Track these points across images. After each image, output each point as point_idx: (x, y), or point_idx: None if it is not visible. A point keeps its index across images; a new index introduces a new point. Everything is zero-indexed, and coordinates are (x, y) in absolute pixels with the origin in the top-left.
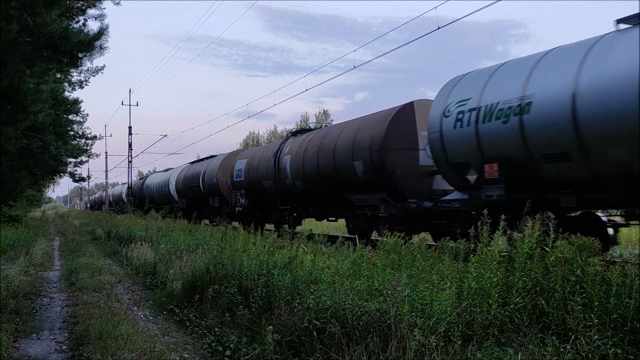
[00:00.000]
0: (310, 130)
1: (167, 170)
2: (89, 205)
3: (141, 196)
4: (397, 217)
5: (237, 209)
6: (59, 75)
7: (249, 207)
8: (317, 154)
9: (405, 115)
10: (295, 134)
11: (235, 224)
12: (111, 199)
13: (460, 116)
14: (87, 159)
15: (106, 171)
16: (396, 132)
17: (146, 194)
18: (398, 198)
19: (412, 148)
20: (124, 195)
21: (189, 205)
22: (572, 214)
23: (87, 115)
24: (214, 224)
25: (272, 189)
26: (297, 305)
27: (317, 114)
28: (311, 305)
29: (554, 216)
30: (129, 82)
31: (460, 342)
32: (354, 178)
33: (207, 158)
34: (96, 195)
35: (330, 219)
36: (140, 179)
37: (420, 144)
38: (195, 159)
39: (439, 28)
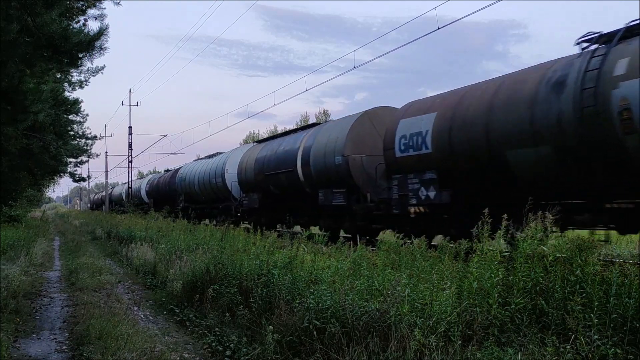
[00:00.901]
0: None
1: (211, 156)
2: (89, 205)
3: (169, 192)
4: None
5: (413, 208)
6: (59, 75)
7: (452, 204)
8: None
9: None
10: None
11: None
12: (124, 197)
13: None
14: (87, 159)
15: (106, 171)
16: None
17: (181, 188)
18: None
19: None
20: (143, 193)
21: (266, 202)
22: None
23: (87, 115)
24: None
25: (558, 162)
26: (297, 305)
27: (317, 113)
28: (311, 305)
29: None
30: (129, 82)
31: (460, 342)
32: None
33: (296, 130)
34: (104, 194)
35: None
36: (166, 171)
37: None
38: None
39: (439, 28)
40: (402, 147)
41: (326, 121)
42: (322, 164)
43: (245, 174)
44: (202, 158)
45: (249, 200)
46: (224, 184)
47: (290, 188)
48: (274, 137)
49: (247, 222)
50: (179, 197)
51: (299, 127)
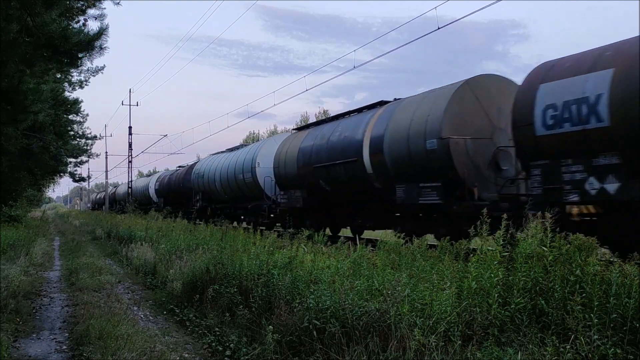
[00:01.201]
0: None
1: (234, 149)
2: (90, 205)
3: (183, 190)
4: None
5: (576, 207)
6: (59, 75)
7: None
8: None
9: None
10: None
11: None
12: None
13: None
14: (87, 159)
15: (106, 171)
16: None
17: (197, 186)
18: None
19: None
20: (152, 192)
21: (313, 200)
22: None
23: (87, 115)
24: None
25: None
26: (297, 305)
27: (317, 113)
28: (311, 305)
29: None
30: (129, 82)
31: (460, 342)
32: None
33: (354, 112)
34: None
35: None
36: (179, 166)
37: None
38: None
39: (439, 28)
40: (550, 122)
41: (396, 99)
42: (404, 150)
43: (285, 167)
44: (224, 151)
45: (289, 199)
46: (255, 179)
47: (351, 183)
48: (320, 122)
49: (281, 225)
50: (194, 196)
51: (357, 108)
